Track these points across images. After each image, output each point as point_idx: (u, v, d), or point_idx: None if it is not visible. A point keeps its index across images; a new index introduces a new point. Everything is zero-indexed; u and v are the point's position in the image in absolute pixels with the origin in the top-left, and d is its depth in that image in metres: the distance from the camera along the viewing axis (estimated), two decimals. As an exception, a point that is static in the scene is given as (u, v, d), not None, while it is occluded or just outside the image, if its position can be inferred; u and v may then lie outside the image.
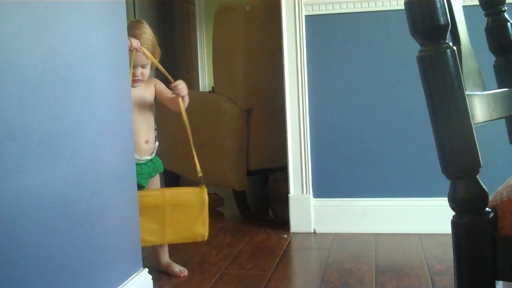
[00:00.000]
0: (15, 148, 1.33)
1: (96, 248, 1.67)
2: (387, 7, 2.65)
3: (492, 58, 1.17)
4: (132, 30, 2.13)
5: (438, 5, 0.78)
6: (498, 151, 2.49)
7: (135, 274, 1.89)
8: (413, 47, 0.81)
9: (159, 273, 2.29)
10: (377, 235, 2.69)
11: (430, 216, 2.65)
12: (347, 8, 2.70)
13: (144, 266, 1.98)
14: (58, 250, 1.48)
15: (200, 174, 2.23)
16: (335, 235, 2.71)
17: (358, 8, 2.69)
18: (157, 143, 2.30)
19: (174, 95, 2.23)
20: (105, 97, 1.74)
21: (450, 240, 0.82)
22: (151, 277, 2.01)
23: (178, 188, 2.70)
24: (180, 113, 2.25)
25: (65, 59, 1.54)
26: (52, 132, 1.47)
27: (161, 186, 4.05)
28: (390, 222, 2.71)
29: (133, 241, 1.91)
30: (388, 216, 2.72)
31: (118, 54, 1.84)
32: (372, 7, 2.67)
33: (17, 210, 1.33)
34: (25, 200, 1.36)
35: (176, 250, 2.57)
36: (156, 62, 2.21)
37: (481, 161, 0.78)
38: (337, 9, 2.71)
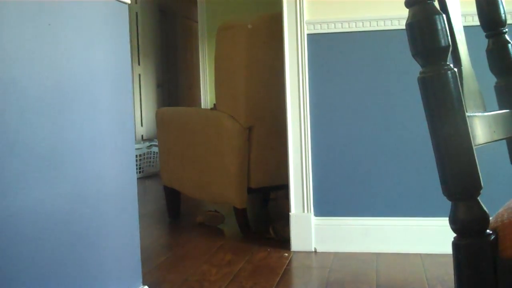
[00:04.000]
0: (16, 164, 1.33)
1: (96, 264, 1.66)
2: (389, 26, 2.67)
3: (493, 79, 1.17)
4: None
5: (439, 27, 0.79)
6: (500, 172, 2.49)
7: (134, 292, 1.89)
8: (415, 67, 0.81)
9: (158, 290, 2.28)
10: (378, 254, 2.68)
11: (431, 236, 2.65)
12: (349, 27, 2.71)
13: (144, 283, 1.98)
14: (58, 266, 1.48)
15: None
16: (336, 254, 2.70)
17: (360, 27, 2.70)
18: None
19: None
20: (107, 113, 1.75)
21: (451, 261, 0.81)
22: (150, 294, 2.00)
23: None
24: None
25: (67, 75, 1.54)
26: (53, 147, 1.47)
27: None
28: (391, 241, 2.70)
29: (133, 257, 1.90)
30: (389, 235, 2.71)
31: (120, 70, 1.84)
32: (374, 27, 2.68)
33: (17, 226, 1.33)
34: (26, 216, 1.36)
35: (176, 268, 2.56)
36: None
37: (482, 183, 0.78)
38: (339, 28, 2.72)
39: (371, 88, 2.72)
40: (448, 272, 2.36)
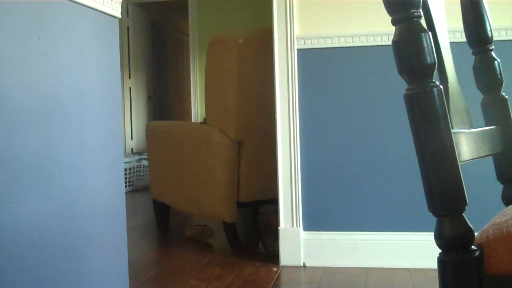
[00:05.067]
0: (3, 177, 1.32)
1: (83, 279, 1.65)
2: (378, 42, 2.69)
3: (479, 95, 1.18)
4: None
5: (425, 44, 0.80)
6: (486, 188, 2.50)
7: (122, 307, 1.87)
8: (404, 82, 0.82)
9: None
10: (367, 269, 2.68)
11: (420, 251, 2.65)
12: (338, 42, 2.73)
13: (131, 298, 1.97)
14: (44, 281, 1.47)
15: None
16: (325, 269, 2.70)
17: (349, 42, 2.72)
18: None
19: None
20: (96, 127, 1.74)
21: (438, 276, 0.82)
22: (138, 309, 1.99)
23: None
24: None
25: (57, 89, 1.54)
26: (41, 161, 1.46)
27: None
28: (380, 256, 2.71)
29: (120, 272, 1.89)
30: (378, 250, 2.71)
31: (110, 84, 1.84)
32: (364, 42, 2.70)
33: (3, 241, 1.32)
34: (12, 230, 1.35)
35: (165, 283, 2.55)
36: None
37: (467, 199, 0.78)
38: (329, 44, 2.74)
39: (360, 103, 2.74)
40: (437, 287, 2.36)
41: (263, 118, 3.09)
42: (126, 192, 3.85)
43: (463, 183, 0.79)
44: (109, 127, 1.83)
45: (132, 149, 7.05)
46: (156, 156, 3.65)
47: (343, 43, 2.73)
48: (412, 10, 0.80)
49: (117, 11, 1.88)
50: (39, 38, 1.47)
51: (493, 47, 1.16)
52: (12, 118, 1.36)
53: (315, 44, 2.76)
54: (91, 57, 1.73)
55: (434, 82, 0.80)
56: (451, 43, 1.07)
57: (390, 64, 2.65)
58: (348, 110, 2.75)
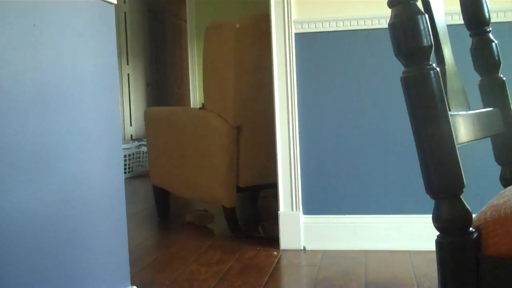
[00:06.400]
0: (1, 166, 1.32)
1: (83, 266, 1.66)
2: (376, 25, 2.68)
3: (477, 77, 1.18)
4: None
5: (422, 27, 0.79)
6: (485, 170, 2.50)
7: (123, 292, 1.88)
8: (401, 65, 0.82)
9: (147, 290, 2.27)
10: (367, 252, 2.69)
11: (419, 233, 2.66)
12: (336, 26, 2.72)
13: (132, 283, 1.97)
14: (44, 269, 1.47)
15: None
16: (325, 252, 2.71)
17: (347, 26, 2.71)
18: None
19: None
20: (94, 113, 1.74)
21: (438, 258, 0.82)
22: (139, 295, 2.00)
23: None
24: None
25: (53, 76, 1.54)
26: (39, 149, 1.46)
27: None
28: (380, 239, 2.72)
29: (121, 259, 1.90)
30: (377, 233, 2.72)
31: (107, 70, 1.84)
32: (362, 26, 2.69)
33: (3, 228, 1.33)
34: (11, 218, 1.35)
35: (165, 267, 2.56)
36: None
37: (464, 181, 0.78)
38: (327, 27, 2.73)
39: (359, 86, 2.73)
40: (436, 268, 2.37)
41: (262, 103, 3.08)
42: (126, 179, 3.85)
43: (461, 165, 0.79)
44: (106, 113, 1.83)
45: (131, 135, 7.05)
46: (155, 142, 3.65)
47: (341, 26, 2.72)
48: (408, -8, 0.80)
49: (113, -3, 1.87)
50: (34, 25, 1.46)
51: (490, 29, 1.16)
52: (9, 105, 1.36)
53: (312, 28, 2.74)
54: (87, 43, 1.72)
55: (431, 64, 0.80)
56: (449, 26, 1.06)
57: (389, 47, 2.64)
58: (347, 94, 2.75)
